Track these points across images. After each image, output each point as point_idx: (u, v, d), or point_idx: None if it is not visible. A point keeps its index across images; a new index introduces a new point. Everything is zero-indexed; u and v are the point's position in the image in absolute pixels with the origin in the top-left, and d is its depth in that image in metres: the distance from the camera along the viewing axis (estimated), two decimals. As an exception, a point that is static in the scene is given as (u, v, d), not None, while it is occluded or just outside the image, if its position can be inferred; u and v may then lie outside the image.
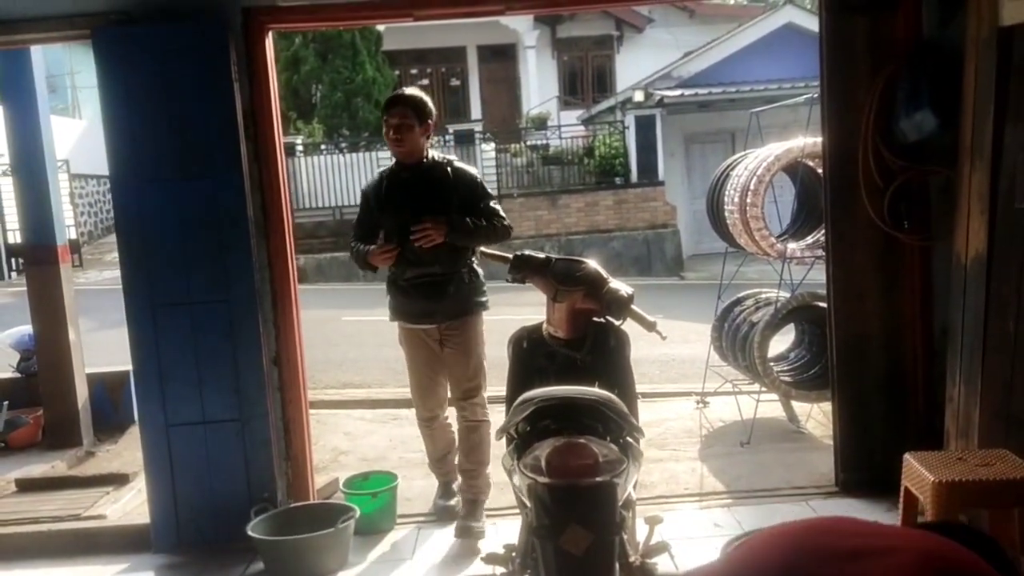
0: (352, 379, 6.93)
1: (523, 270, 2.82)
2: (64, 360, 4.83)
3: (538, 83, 19.52)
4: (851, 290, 3.73)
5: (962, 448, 3.19)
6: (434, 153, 3.63)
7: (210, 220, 3.51)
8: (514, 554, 2.38)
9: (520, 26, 18.94)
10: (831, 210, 3.72)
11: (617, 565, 2.04)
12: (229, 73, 3.48)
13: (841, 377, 3.79)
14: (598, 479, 2.00)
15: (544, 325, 2.76)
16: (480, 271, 3.66)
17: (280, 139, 3.71)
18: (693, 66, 14.69)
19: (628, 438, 2.24)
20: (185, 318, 3.53)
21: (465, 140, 14.59)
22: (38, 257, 4.85)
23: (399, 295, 3.61)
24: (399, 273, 3.56)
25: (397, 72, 18.43)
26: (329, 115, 16.55)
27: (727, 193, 5.22)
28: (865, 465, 3.75)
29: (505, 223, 3.55)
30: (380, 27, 16.06)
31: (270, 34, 3.65)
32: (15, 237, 12.40)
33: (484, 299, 3.66)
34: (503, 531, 3.43)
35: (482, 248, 3.45)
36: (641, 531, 2.50)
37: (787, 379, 4.95)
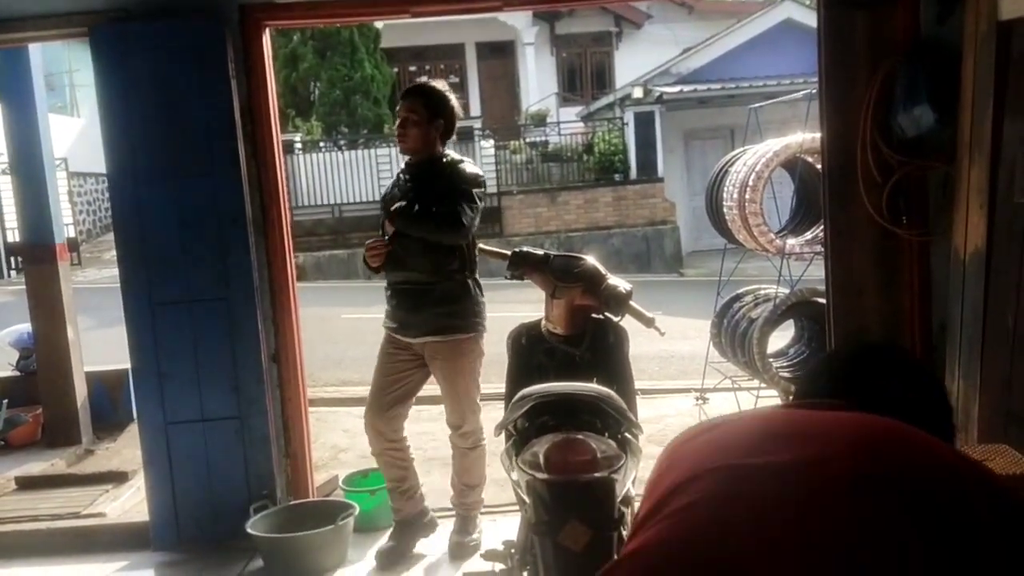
0: (351, 376, 6.92)
1: (522, 267, 2.82)
2: (63, 358, 4.83)
3: (537, 80, 19.53)
4: (850, 286, 3.72)
5: (961, 443, 3.19)
6: (451, 153, 3.35)
7: (208, 218, 3.50)
8: (513, 550, 2.39)
9: (519, 23, 18.95)
10: (830, 206, 3.71)
11: (616, 561, 2.04)
12: (227, 70, 3.47)
13: (840, 373, 3.77)
14: (597, 475, 1.99)
15: (543, 322, 2.76)
16: (479, 287, 3.31)
17: (278, 137, 3.70)
18: (692, 62, 14.69)
19: (627, 434, 2.23)
20: (184, 316, 3.53)
21: (464, 137, 14.57)
22: (37, 256, 4.85)
23: (386, 299, 3.40)
24: (388, 276, 3.35)
25: (396, 69, 18.42)
26: (327, 113, 16.54)
27: (726, 189, 5.22)
28: (864, 460, 3.74)
29: (455, 214, 3.08)
30: (379, 24, 16.04)
31: (268, 31, 3.64)
32: (14, 236, 12.37)
33: (477, 320, 3.27)
34: (502, 528, 3.43)
35: (480, 245, 3.33)
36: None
37: (786, 375, 4.94)
